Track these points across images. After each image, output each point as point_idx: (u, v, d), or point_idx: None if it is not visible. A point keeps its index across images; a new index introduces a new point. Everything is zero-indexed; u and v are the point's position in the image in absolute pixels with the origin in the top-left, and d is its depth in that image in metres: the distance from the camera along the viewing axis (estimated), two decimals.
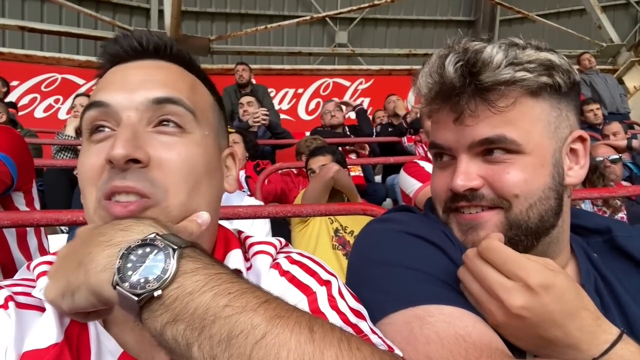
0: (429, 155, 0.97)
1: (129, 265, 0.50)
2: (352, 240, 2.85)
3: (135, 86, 0.67)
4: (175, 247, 0.51)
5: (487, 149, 0.78)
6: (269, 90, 6.91)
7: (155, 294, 0.48)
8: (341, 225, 2.90)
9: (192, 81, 0.75)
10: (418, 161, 2.65)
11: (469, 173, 0.78)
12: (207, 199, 0.70)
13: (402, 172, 2.60)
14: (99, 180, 0.64)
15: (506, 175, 0.77)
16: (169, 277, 0.49)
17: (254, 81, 6.59)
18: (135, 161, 0.62)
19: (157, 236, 0.52)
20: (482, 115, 0.76)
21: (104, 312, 0.57)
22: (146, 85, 0.68)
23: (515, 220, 0.78)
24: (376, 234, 0.86)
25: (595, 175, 2.73)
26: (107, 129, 0.67)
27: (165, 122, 0.67)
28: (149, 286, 0.48)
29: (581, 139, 0.83)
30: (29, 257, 1.97)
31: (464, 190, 0.78)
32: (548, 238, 0.81)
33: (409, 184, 2.46)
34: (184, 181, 0.65)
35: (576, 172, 0.83)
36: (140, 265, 0.50)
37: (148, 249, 0.51)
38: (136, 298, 0.48)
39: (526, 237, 0.79)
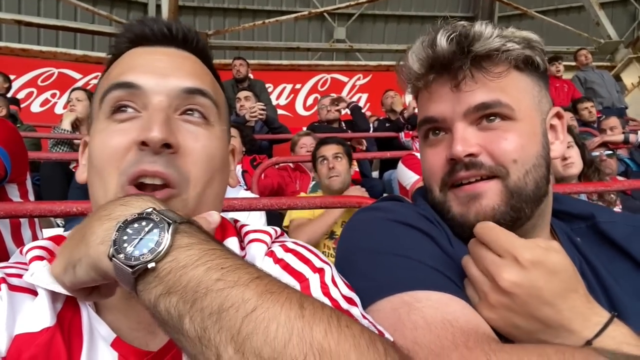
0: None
1: (125, 237, 0.50)
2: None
3: (167, 72, 0.68)
4: (171, 222, 0.51)
5: (483, 115, 0.79)
6: (267, 85, 6.89)
7: (149, 265, 0.49)
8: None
9: (212, 76, 0.76)
10: (416, 154, 2.65)
11: (467, 139, 0.79)
12: (216, 192, 0.72)
13: (400, 164, 2.60)
14: (123, 162, 0.63)
15: (504, 141, 0.79)
16: (162, 250, 0.49)
17: (251, 76, 6.57)
18: (168, 146, 0.63)
19: (154, 211, 0.52)
20: (478, 82, 0.79)
21: (105, 291, 0.58)
22: (177, 74, 0.68)
23: (515, 188, 0.79)
24: (364, 222, 0.87)
25: (591, 169, 2.73)
26: (130, 110, 0.66)
27: (190, 112, 0.68)
28: (143, 258, 0.49)
29: (559, 115, 0.88)
30: (20, 245, 1.97)
31: (464, 155, 0.78)
32: (539, 210, 0.83)
33: (406, 176, 2.47)
34: (204, 173, 0.67)
35: (557, 147, 0.87)
36: (136, 238, 0.50)
37: (144, 223, 0.51)
38: (130, 269, 0.49)
39: (526, 205, 0.80)
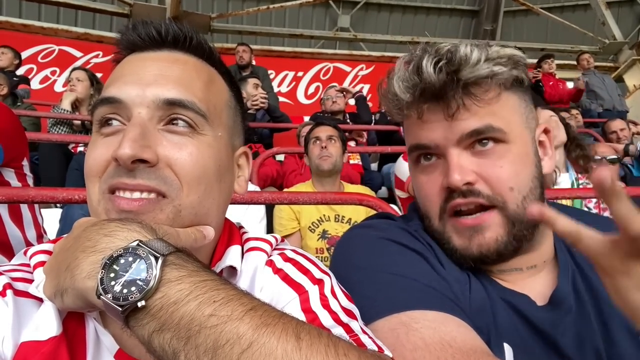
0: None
1: (112, 275, 0.50)
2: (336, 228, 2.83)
3: (149, 81, 0.66)
4: (158, 255, 0.50)
5: (476, 140, 0.79)
6: (269, 72, 6.85)
7: (139, 304, 0.48)
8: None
9: (209, 77, 0.72)
10: None
11: (463, 167, 0.79)
12: (217, 203, 0.70)
13: (400, 159, 2.59)
14: (103, 173, 0.63)
15: (499, 169, 0.79)
16: (151, 287, 0.49)
17: (254, 62, 6.52)
18: (143, 161, 0.61)
19: (140, 244, 0.51)
20: (469, 109, 0.78)
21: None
22: (160, 82, 0.66)
23: (515, 216, 0.79)
24: (358, 240, 0.87)
25: (573, 145, 2.76)
26: (116, 122, 0.66)
27: (174, 121, 0.66)
28: (131, 297, 0.48)
29: (545, 130, 0.89)
30: (22, 230, 1.96)
31: (462, 184, 0.78)
32: (539, 229, 0.83)
33: (404, 169, 2.47)
34: (197, 182, 0.65)
35: (547, 163, 0.87)
36: (123, 275, 0.49)
37: (130, 258, 0.50)
38: (120, 309, 0.48)
39: (527, 231, 0.81)
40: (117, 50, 0.73)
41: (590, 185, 2.68)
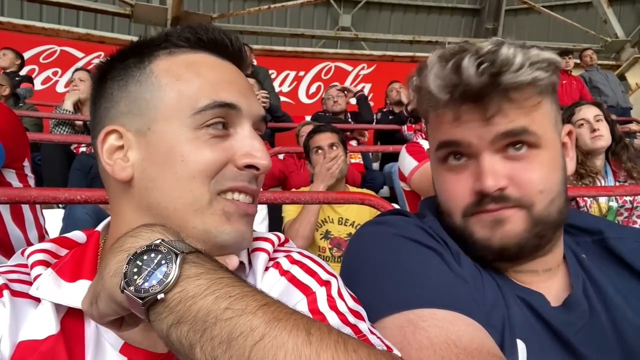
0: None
1: (135, 270, 0.51)
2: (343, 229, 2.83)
3: (248, 94, 0.73)
4: (178, 253, 0.52)
5: (510, 142, 0.78)
6: (270, 71, 6.84)
7: (159, 297, 0.50)
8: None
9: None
10: (420, 141, 2.62)
11: (496, 172, 0.78)
12: None
13: (402, 150, 2.57)
14: (216, 174, 0.67)
15: (530, 173, 0.78)
16: (170, 281, 0.50)
17: (255, 62, 6.52)
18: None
19: (162, 242, 0.53)
20: (509, 114, 0.77)
21: (131, 321, 0.58)
22: (253, 96, 0.74)
23: (540, 217, 0.79)
24: (371, 236, 0.86)
25: (620, 145, 2.69)
26: (220, 126, 0.69)
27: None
28: (152, 290, 0.50)
29: (569, 133, 0.88)
30: (24, 231, 1.96)
31: (495, 190, 0.77)
32: (559, 231, 0.84)
33: (405, 162, 2.45)
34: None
35: (569, 164, 0.87)
36: (146, 269, 0.51)
37: (152, 255, 0.52)
38: (141, 301, 0.50)
39: (550, 231, 0.81)
40: (176, 36, 0.72)
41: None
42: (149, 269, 0.51)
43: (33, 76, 7.20)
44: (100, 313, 0.55)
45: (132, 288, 0.50)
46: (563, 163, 0.84)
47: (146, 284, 0.50)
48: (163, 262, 0.51)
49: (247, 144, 0.69)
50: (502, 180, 0.78)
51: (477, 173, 0.80)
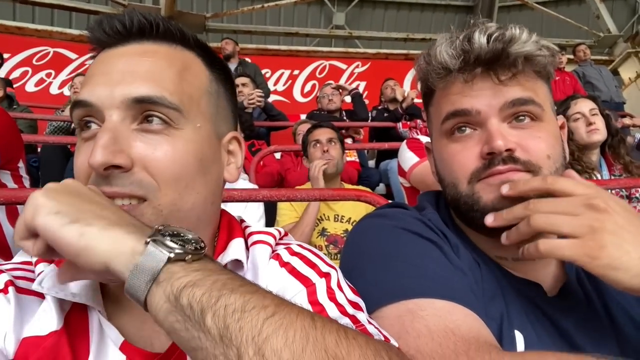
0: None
1: (166, 234, 0.53)
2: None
3: (117, 79, 0.64)
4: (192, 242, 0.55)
5: (516, 112, 0.81)
6: (265, 71, 6.86)
7: (186, 258, 0.52)
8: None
9: (183, 64, 0.70)
10: (420, 137, 2.62)
11: (504, 135, 0.79)
12: (204, 196, 0.69)
13: (403, 145, 2.57)
14: (88, 180, 0.63)
15: (537, 139, 0.80)
16: (197, 247, 0.53)
17: (249, 60, 6.53)
18: (117, 166, 0.61)
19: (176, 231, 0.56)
20: (514, 81, 0.81)
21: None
22: (127, 79, 0.64)
23: None
24: (371, 228, 0.87)
25: (616, 139, 2.70)
26: (94, 125, 0.65)
27: (149, 119, 0.64)
28: (186, 248, 0.52)
29: (562, 125, 0.91)
30: None
31: (505, 149, 0.78)
32: None
33: (406, 157, 2.45)
34: (175, 180, 0.64)
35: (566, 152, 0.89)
36: (176, 240, 0.53)
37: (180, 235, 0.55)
38: (169, 253, 0.51)
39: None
40: (90, 48, 0.71)
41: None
42: (179, 238, 0.53)
43: (26, 78, 7.19)
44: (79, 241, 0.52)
45: (160, 242, 0.51)
46: (562, 145, 0.86)
47: (180, 243, 0.52)
48: (188, 245, 0.53)
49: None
50: (511, 142, 0.79)
51: (484, 139, 0.81)
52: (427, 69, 0.87)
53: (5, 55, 6.58)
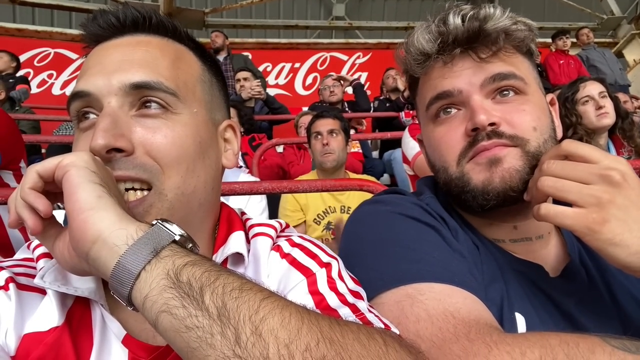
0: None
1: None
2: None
3: (113, 68, 0.66)
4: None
5: (498, 87, 0.80)
6: (266, 64, 6.84)
7: (188, 245, 0.55)
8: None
9: (176, 54, 0.72)
10: None
11: (487, 109, 0.79)
12: (204, 180, 0.70)
13: (405, 133, 2.54)
14: None
15: (521, 113, 0.80)
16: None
17: (248, 55, 6.51)
18: (119, 150, 0.62)
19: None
20: (498, 56, 0.81)
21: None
22: (123, 67, 0.66)
23: (535, 152, 0.79)
24: (369, 215, 0.86)
25: (627, 121, 2.67)
26: (92, 115, 0.66)
27: (147, 104, 0.66)
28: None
29: (552, 102, 0.90)
30: (24, 232, 1.96)
31: (488, 123, 0.77)
32: None
33: (409, 146, 2.43)
34: (176, 163, 0.65)
35: (557, 130, 0.88)
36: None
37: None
38: (175, 235, 0.54)
39: None
40: (84, 45, 0.73)
41: None
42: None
43: (29, 79, 7.20)
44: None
45: (168, 224, 0.54)
46: (551, 118, 0.85)
47: (181, 232, 0.55)
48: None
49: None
50: (494, 116, 0.78)
51: (468, 116, 0.80)
52: (406, 58, 0.87)
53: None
